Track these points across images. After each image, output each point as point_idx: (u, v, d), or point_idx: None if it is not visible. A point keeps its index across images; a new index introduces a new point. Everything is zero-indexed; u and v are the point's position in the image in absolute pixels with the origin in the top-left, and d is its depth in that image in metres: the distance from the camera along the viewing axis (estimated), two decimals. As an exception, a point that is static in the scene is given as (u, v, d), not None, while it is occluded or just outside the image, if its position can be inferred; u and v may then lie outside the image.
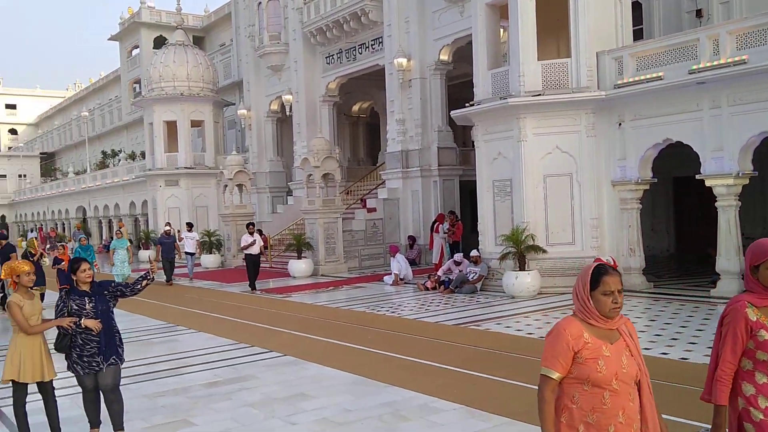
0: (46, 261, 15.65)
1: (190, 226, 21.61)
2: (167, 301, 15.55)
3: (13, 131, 77.63)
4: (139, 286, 5.96)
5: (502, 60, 15.63)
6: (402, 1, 21.09)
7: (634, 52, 13.63)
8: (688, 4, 17.20)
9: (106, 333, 5.73)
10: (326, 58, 25.81)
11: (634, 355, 2.94)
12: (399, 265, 16.97)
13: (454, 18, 19.86)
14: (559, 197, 14.18)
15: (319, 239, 19.64)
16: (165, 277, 19.16)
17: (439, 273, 15.67)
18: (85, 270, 5.74)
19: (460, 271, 15.16)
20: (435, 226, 19.08)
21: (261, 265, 17.95)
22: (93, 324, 5.62)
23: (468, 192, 20.08)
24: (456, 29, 19.75)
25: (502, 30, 16.06)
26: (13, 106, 78.31)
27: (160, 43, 40.02)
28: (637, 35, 16.74)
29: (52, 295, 13.41)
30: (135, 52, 46.95)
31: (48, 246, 22.60)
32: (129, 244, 18.91)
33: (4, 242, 14.81)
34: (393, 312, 12.79)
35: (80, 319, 5.62)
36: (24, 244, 29.15)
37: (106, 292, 5.84)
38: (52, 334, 5.92)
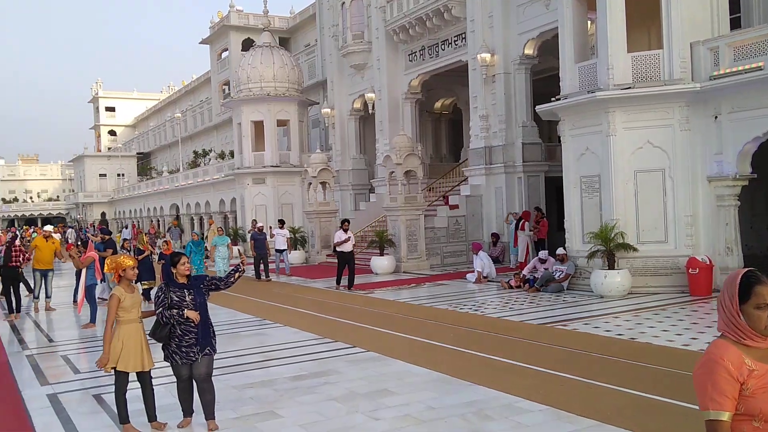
0: (155, 257, 16.43)
1: (281, 223, 22.02)
2: (255, 296, 15.99)
3: (112, 133, 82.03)
4: (231, 280, 6.28)
5: (589, 53, 15.24)
6: (485, -4, 20.89)
7: (732, 42, 12.95)
8: (792, -11, 16.18)
9: (202, 324, 5.99)
10: (409, 55, 25.85)
11: None
12: (482, 262, 16.79)
13: (540, 11, 19.49)
14: (650, 193, 13.69)
15: (401, 236, 19.71)
16: (255, 273, 19.57)
17: (524, 272, 15.41)
18: (184, 263, 6.06)
19: (545, 269, 14.85)
20: (520, 223, 18.76)
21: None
22: (194, 315, 5.92)
23: (554, 188, 19.66)
24: (541, 22, 19.39)
25: (589, 22, 15.66)
26: (112, 109, 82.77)
27: (248, 45, 41.17)
28: (734, 24, 15.89)
29: (148, 289, 14.09)
30: (224, 54, 48.49)
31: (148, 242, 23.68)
32: (229, 241, 19.25)
33: (107, 237, 15.89)
34: (476, 310, 12.67)
35: (182, 310, 5.89)
36: (121, 239, 30.81)
37: (202, 286, 6.13)
38: (147, 325, 6.21)
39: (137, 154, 71.30)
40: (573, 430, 5.85)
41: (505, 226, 20.34)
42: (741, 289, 2.49)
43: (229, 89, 45.29)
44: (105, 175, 68.90)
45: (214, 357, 6.22)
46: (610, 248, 13.30)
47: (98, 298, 13.35)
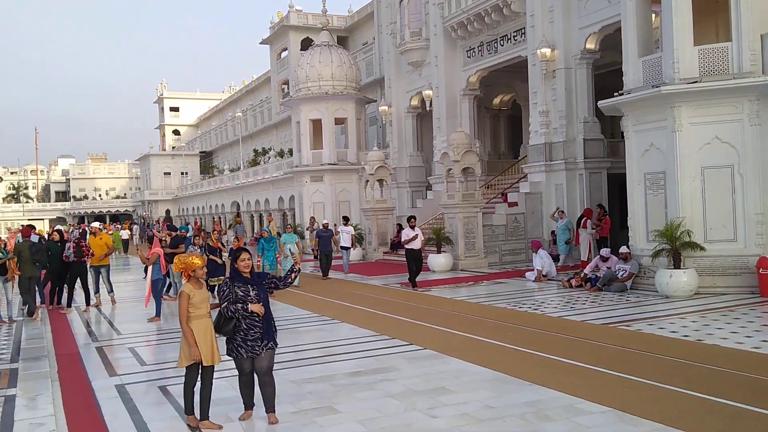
0: (226, 254, 16.79)
1: (345, 220, 21.98)
2: (314, 293, 16.18)
3: (176, 132, 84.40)
4: (289, 280, 6.51)
5: (653, 46, 14.83)
6: (546, -9, 20.57)
7: (806, 32, 12.39)
8: None
9: (266, 319, 6.17)
10: (467, 51, 25.68)
11: None
12: (542, 261, 16.53)
13: (602, 5, 19.09)
14: (718, 191, 13.23)
15: (458, 234, 19.60)
16: (321, 270, 19.51)
17: (586, 270, 15.10)
18: (244, 259, 6.22)
19: (608, 268, 14.52)
20: (582, 221, 18.40)
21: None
22: (258, 309, 6.10)
23: (617, 185, 19.20)
24: (603, 16, 19.03)
25: (653, 15, 15.25)
26: (176, 109, 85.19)
27: (307, 44, 41.64)
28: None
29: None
30: (284, 54, 49.19)
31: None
32: (298, 239, 19.27)
33: (174, 233, 16.32)
34: (536, 309, 12.49)
35: (247, 304, 6.04)
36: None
37: (264, 282, 6.30)
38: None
39: (200, 152, 73.18)
40: (636, 433, 5.71)
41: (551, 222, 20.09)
42: None
43: (288, 88, 45.94)
44: (169, 173, 71.04)
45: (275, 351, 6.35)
46: (676, 247, 12.91)
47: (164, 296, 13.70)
